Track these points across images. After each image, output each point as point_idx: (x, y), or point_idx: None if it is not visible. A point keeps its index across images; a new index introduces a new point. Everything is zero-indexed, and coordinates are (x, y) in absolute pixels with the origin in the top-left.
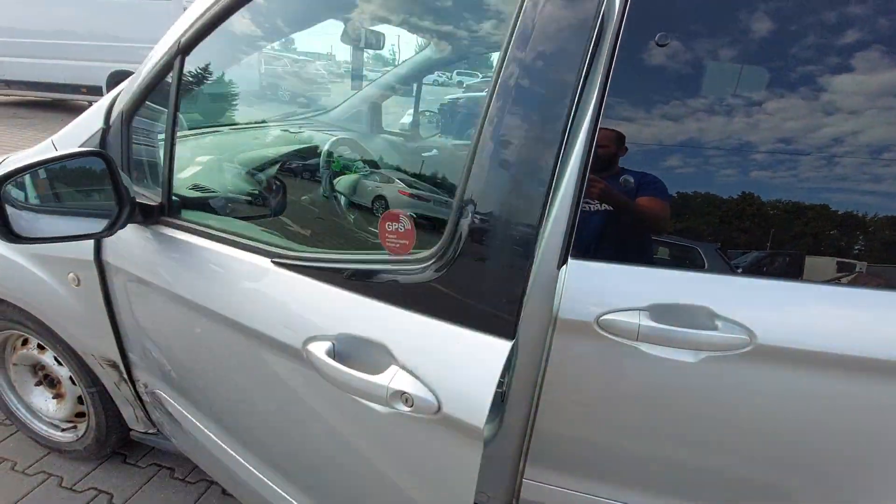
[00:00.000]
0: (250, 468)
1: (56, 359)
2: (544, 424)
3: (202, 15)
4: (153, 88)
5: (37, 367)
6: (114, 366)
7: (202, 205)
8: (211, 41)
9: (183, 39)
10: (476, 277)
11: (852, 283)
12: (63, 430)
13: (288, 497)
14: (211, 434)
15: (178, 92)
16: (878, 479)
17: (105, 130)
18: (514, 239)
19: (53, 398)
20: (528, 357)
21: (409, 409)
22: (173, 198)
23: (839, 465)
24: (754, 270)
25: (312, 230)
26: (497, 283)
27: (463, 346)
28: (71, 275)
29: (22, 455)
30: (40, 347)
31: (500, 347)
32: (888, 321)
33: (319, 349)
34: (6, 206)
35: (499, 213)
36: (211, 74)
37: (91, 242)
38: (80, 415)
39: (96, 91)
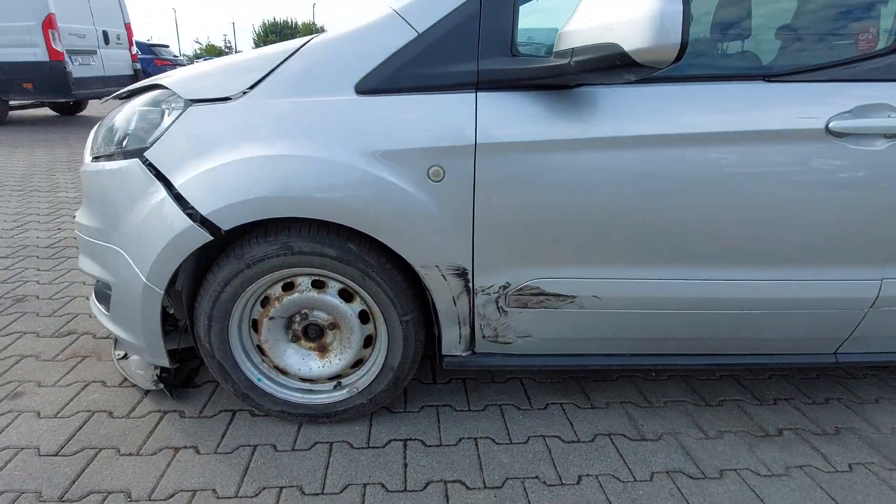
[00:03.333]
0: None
1: (343, 293)
2: None
3: None
4: None
5: (293, 319)
6: (461, 274)
7: None
8: None
9: None
10: None
11: None
12: (332, 389)
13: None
14: (642, 279)
15: None
16: None
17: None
18: None
19: (316, 352)
20: None
21: None
22: None
23: None
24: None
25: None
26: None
27: None
28: (434, 168)
29: (275, 436)
30: (316, 286)
31: None
32: None
33: (847, 119)
34: None
35: None
36: None
37: (470, 126)
38: (358, 363)
39: None
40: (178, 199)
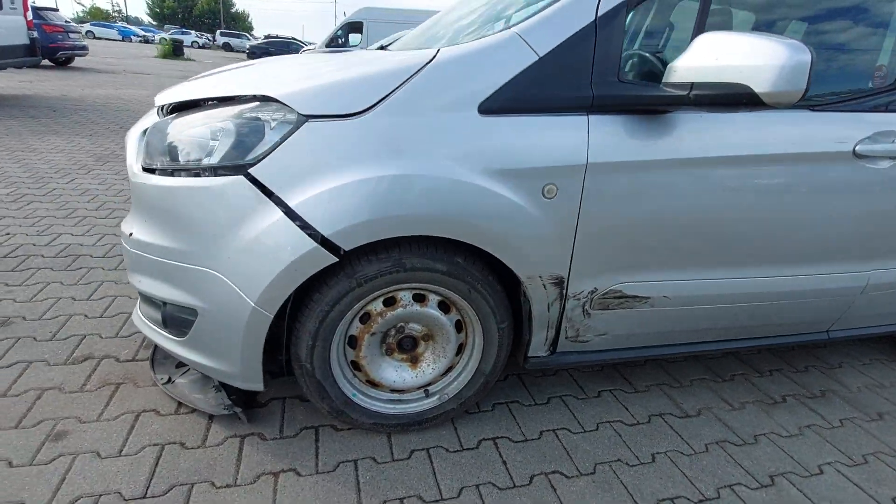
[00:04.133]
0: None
1: (441, 305)
2: None
3: None
4: None
5: (388, 333)
6: (558, 283)
7: None
8: None
9: None
10: None
11: None
12: (424, 397)
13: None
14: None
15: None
16: None
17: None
18: None
19: (408, 363)
20: None
21: None
22: None
23: None
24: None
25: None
26: None
27: None
28: (549, 186)
29: (369, 448)
30: (418, 299)
31: None
32: None
33: (867, 143)
34: None
35: None
36: None
37: (583, 147)
38: (447, 370)
39: None
40: (295, 219)
